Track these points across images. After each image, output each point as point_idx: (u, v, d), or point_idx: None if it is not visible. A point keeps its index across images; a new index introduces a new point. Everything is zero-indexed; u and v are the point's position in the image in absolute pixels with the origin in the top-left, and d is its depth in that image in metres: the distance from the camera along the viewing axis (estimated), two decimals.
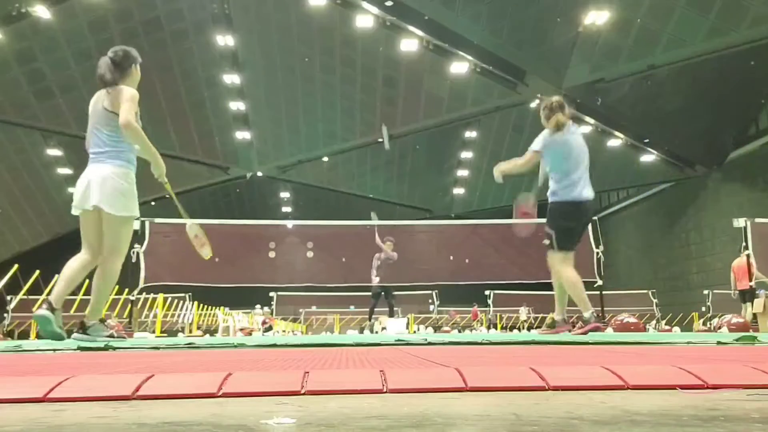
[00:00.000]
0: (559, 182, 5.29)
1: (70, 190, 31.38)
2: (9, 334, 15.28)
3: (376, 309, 12.03)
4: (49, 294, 4.59)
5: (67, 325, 4.45)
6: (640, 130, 22.96)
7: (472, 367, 1.15)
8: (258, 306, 18.28)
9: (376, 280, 10.84)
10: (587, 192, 5.30)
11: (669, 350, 2.29)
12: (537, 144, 5.33)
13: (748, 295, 11.06)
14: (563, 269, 5.27)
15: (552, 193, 5.35)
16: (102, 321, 4.59)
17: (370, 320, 12.28)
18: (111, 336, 4.44)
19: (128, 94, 4.33)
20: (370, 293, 11.74)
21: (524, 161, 5.37)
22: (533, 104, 22.30)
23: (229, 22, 21.88)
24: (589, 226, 5.69)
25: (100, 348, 3.05)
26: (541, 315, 24.66)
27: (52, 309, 4.15)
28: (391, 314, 12.04)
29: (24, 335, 16.91)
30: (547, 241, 5.35)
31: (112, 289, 4.43)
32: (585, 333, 5.03)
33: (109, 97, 4.38)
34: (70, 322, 5.89)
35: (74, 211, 4.42)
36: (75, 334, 4.34)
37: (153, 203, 23.15)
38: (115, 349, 3.02)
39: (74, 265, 4.33)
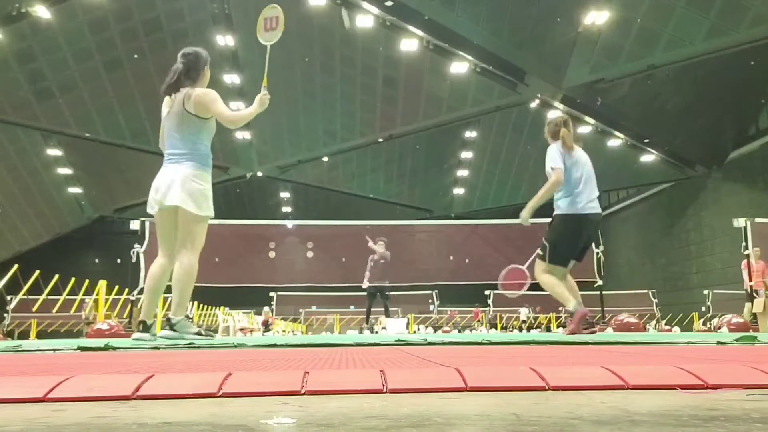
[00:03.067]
0: (565, 196, 5.29)
1: (70, 190, 31.51)
2: (9, 334, 15.29)
3: (372, 309, 11.98)
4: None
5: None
6: (640, 130, 22.95)
7: (472, 367, 1.15)
8: (266, 308, 18.24)
9: (365, 281, 10.86)
10: (591, 206, 5.28)
11: (669, 350, 2.29)
12: (557, 161, 5.23)
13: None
14: (540, 276, 5.36)
15: (556, 206, 5.35)
16: (186, 317, 4.52)
17: (367, 322, 12.21)
18: (198, 333, 4.38)
19: (211, 96, 4.39)
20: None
21: (554, 183, 5.20)
22: (533, 104, 22.32)
23: (229, 22, 21.89)
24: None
25: (100, 348, 3.05)
26: (541, 315, 24.68)
27: (146, 328, 4.26)
28: (387, 314, 12.01)
29: (24, 335, 16.91)
30: (540, 252, 5.39)
31: (192, 284, 4.34)
32: (577, 324, 5.07)
33: (190, 101, 4.38)
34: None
35: (151, 210, 4.39)
36: (162, 331, 4.29)
37: None
38: (115, 349, 3.03)
39: (156, 273, 4.35)
